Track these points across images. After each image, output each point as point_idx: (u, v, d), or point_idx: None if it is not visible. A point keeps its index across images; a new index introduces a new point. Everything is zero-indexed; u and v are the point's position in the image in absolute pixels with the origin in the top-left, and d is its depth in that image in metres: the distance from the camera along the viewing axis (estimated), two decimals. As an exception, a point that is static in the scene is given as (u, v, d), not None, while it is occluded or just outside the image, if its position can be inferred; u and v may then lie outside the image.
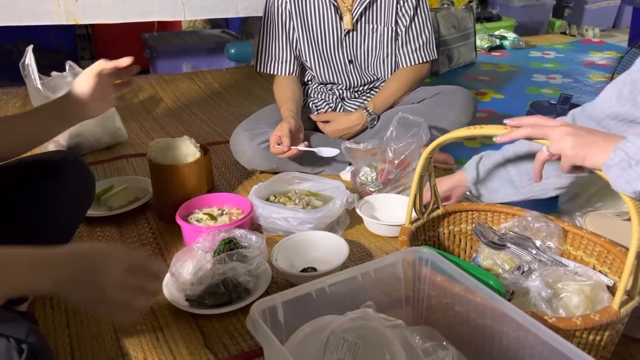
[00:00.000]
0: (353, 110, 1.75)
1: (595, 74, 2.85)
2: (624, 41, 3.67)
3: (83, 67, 1.90)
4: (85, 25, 3.74)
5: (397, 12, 1.65)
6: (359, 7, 1.62)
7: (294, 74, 1.72)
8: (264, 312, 0.77)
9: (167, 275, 1.12)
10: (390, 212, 1.41)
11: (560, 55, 3.33)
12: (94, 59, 3.83)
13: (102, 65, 1.05)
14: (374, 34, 1.66)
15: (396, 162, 1.45)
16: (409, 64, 1.70)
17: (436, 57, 1.75)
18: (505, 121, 0.87)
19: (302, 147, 1.48)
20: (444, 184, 1.24)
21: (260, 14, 2.78)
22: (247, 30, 3.42)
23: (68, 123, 1.08)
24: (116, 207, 1.43)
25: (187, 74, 2.82)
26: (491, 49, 3.35)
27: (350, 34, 1.66)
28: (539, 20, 4.10)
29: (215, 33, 3.74)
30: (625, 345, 0.96)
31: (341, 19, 1.64)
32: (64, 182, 1.08)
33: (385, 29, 1.66)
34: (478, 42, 3.18)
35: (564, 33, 4.16)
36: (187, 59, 3.40)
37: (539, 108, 1.53)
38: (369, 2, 1.62)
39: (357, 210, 1.37)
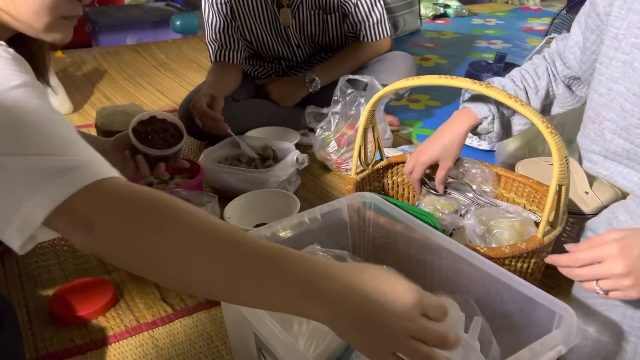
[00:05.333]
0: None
1: (533, 39, 2.97)
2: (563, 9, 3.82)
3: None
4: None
5: None
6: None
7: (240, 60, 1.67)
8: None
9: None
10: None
11: (500, 22, 3.43)
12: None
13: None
14: (317, 19, 1.63)
15: (356, 125, 1.48)
16: (365, 41, 1.67)
17: (389, 34, 1.68)
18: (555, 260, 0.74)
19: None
20: (433, 149, 1.06)
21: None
22: (192, 1, 3.37)
23: None
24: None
25: (132, 46, 2.76)
26: (435, 17, 3.42)
27: (292, 26, 1.63)
28: (483, -11, 4.20)
29: (160, 6, 3.65)
30: (553, 277, 1.05)
31: (279, 13, 1.60)
32: None
33: (329, 16, 1.63)
34: (423, 11, 3.24)
35: (506, 2, 4.28)
36: (131, 33, 3.31)
37: (477, 67, 1.61)
38: None
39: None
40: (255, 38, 1.68)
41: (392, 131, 1.72)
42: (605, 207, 1.05)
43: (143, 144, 1.05)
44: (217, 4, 1.60)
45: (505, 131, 1.07)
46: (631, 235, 0.68)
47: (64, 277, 1.10)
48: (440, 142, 1.05)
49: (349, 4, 1.61)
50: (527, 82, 1.04)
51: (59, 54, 2.53)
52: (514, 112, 1.04)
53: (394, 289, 0.54)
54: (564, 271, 0.72)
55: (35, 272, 1.12)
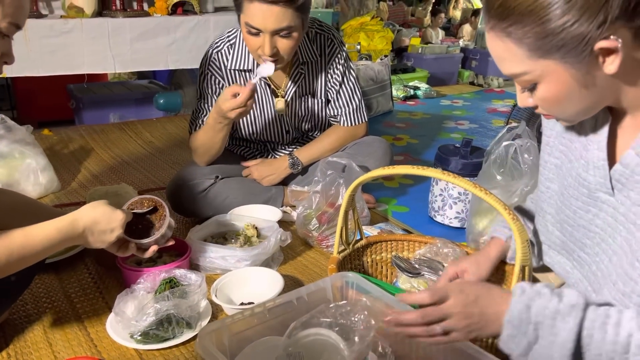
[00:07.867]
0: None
1: (497, 120, 3.19)
2: (522, 90, 4.11)
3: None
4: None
5: (325, 85, 1.74)
6: (291, 88, 1.70)
7: None
8: (210, 335, 0.86)
9: (111, 315, 1.17)
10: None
11: (467, 103, 3.68)
12: (13, 110, 3.76)
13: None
14: (306, 104, 1.76)
15: (336, 204, 1.58)
16: (345, 126, 1.80)
17: (366, 120, 1.82)
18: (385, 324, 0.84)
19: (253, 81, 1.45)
20: (464, 261, 1.09)
21: (189, 66, 2.89)
22: (176, 81, 3.51)
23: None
24: (54, 254, 1.46)
25: (117, 124, 2.86)
26: (406, 98, 3.65)
27: (286, 114, 1.75)
28: (450, 71, 4.51)
29: (143, 83, 3.80)
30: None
31: (275, 103, 1.71)
32: None
33: (316, 100, 1.76)
34: (394, 93, 3.46)
35: (472, 83, 4.59)
36: (114, 110, 3.42)
37: (446, 151, 1.73)
38: (300, 81, 1.70)
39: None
40: (248, 123, 1.78)
41: (369, 208, 1.82)
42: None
43: (132, 237, 1.14)
44: (215, 91, 1.68)
45: (538, 249, 1.05)
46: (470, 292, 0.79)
47: (53, 356, 1.12)
48: (473, 257, 1.10)
49: (332, 90, 1.76)
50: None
51: (45, 132, 2.60)
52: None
53: None
54: (409, 330, 0.80)
55: (24, 350, 1.14)
